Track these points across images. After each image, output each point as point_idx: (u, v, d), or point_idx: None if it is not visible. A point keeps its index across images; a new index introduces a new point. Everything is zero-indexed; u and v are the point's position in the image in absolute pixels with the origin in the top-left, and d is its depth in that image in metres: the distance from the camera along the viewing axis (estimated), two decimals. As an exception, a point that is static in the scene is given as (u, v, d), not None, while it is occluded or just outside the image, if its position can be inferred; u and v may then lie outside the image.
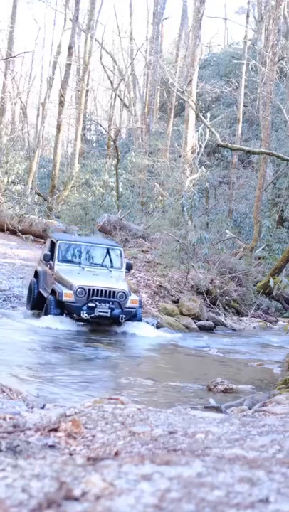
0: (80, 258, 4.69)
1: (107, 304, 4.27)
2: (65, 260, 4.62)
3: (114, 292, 4.30)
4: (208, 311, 5.84)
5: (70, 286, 4.27)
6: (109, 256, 4.78)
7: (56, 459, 0.83)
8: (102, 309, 4.25)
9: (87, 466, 0.73)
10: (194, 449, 0.90)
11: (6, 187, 10.01)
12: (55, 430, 0.99)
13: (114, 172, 10.29)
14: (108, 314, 4.28)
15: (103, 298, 4.27)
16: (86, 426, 1.06)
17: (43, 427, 1.00)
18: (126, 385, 2.71)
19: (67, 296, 4.21)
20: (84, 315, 4.22)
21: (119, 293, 4.31)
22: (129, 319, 4.38)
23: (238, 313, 6.36)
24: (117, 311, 4.30)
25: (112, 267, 4.70)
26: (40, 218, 8.78)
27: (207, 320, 5.62)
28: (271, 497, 0.62)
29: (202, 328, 5.35)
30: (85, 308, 4.23)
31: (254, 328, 5.86)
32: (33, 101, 16.15)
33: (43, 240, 8.65)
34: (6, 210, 8.84)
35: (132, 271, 5.60)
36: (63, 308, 4.26)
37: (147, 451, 0.90)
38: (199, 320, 5.51)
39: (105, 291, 4.28)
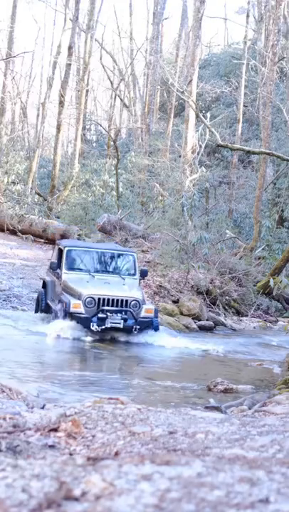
0: (89, 266, 4.35)
1: (120, 315, 3.94)
2: (73, 268, 4.28)
3: (126, 301, 3.99)
4: (208, 311, 5.84)
5: (78, 296, 3.97)
6: (122, 262, 4.46)
7: (56, 459, 0.83)
8: (114, 320, 3.92)
9: (87, 466, 0.73)
10: (194, 449, 0.90)
11: (6, 187, 10.01)
12: (55, 430, 0.99)
13: (114, 172, 10.29)
14: (121, 325, 3.94)
15: (115, 308, 3.94)
16: (86, 426, 1.06)
17: (43, 427, 1.00)
18: (126, 385, 2.71)
19: (76, 306, 3.89)
20: (94, 327, 3.89)
21: (133, 302, 3.99)
22: (144, 329, 4.04)
23: (238, 313, 6.36)
24: (130, 322, 3.98)
25: (125, 274, 4.37)
26: (40, 218, 8.77)
27: (207, 320, 5.61)
28: (271, 497, 0.62)
29: (202, 328, 5.35)
30: (95, 319, 3.90)
31: (254, 328, 5.86)
32: (33, 101, 16.17)
33: (43, 240, 8.69)
34: (6, 210, 8.83)
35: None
36: (72, 319, 3.95)
37: (147, 451, 0.90)
38: (199, 320, 5.50)
39: (117, 300, 3.97)
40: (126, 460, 0.80)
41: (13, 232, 8.46)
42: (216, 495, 0.63)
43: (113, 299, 3.99)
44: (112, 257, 4.50)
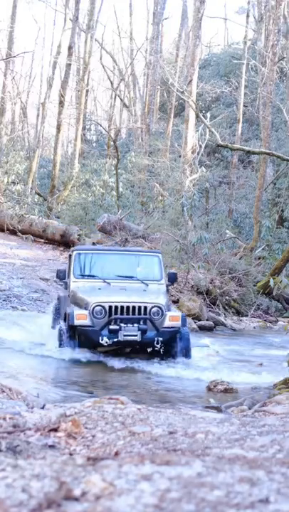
0: (104, 272, 3.49)
1: (136, 325, 3.05)
2: (84, 275, 3.46)
3: (145, 308, 3.10)
4: (208, 311, 5.83)
5: (84, 305, 3.15)
6: (144, 266, 3.60)
7: (56, 459, 0.83)
8: (130, 332, 3.04)
9: (87, 466, 0.74)
10: (194, 449, 0.90)
11: (6, 187, 10.01)
12: (55, 430, 0.99)
13: (114, 172, 10.29)
14: (138, 338, 3.05)
15: (130, 316, 3.08)
16: (86, 426, 1.06)
17: (43, 427, 1.00)
18: (126, 385, 2.71)
19: (80, 317, 3.05)
20: (104, 341, 3.04)
21: (153, 308, 3.11)
22: (170, 346, 3.11)
23: (238, 313, 6.36)
24: (150, 334, 3.09)
25: (148, 279, 3.50)
26: (40, 218, 8.76)
27: (207, 320, 5.60)
28: (271, 497, 0.62)
29: (202, 328, 5.33)
30: (105, 332, 3.06)
31: (254, 328, 5.85)
32: (33, 101, 16.17)
33: (42, 240, 8.68)
34: (6, 210, 8.82)
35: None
36: (80, 338, 3.13)
37: (147, 451, 0.90)
38: (199, 320, 5.49)
39: (133, 307, 3.09)
40: (126, 460, 0.80)
41: (13, 232, 8.44)
42: (216, 495, 0.63)
43: (128, 306, 3.11)
44: (132, 261, 3.64)
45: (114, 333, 3.13)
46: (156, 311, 3.19)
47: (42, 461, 0.81)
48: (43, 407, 1.56)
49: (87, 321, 3.13)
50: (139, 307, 3.18)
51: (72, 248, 3.94)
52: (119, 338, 3.12)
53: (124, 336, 3.12)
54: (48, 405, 1.60)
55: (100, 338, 3.11)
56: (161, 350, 3.22)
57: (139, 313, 3.17)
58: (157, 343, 3.16)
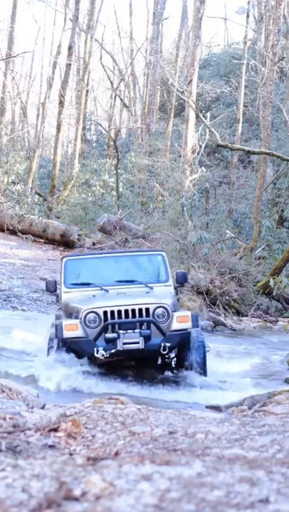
0: (100, 278, 2.97)
1: (138, 330, 2.54)
2: (76, 284, 2.96)
3: (147, 310, 2.62)
4: (208, 311, 5.83)
5: (75, 314, 2.67)
6: (147, 267, 3.12)
7: (56, 459, 0.83)
8: (130, 339, 2.51)
9: (87, 466, 0.74)
10: (194, 449, 0.90)
11: (6, 187, 10.02)
12: (55, 430, 0.99)
13: (114, 172, 10.29)
14: (140, 345, 2.53)
15: (129, 320, 2.57)
16: (86, 426, 1.05)
17: (43, 427, 1.00)
18: (127, 386, 2.70)
19: (71, 328, 2.54)
20: (99, 353, 2.52)
21: (158, 309, 2.62)
22: (181, 353, 2.63)
23: (238, 313, 6.35)
24: (155, 340, 2.57)
25: (152, 281, 2.99)
26: (40, 218, 8.76)
27: (207, 320, 5.62)
28: (271, 497, 0.62)
29: (202, 328, 5.35)
30: (100, 342, 2.56)
31: (254, 328, 5.84)
32: (33, 101, 16.16)
33: (43, 240, 8.65)
34: (6, 210, 8.82)
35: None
36: (69, 349, 2.63)
37: (147, 451, 0.90)
38: (199, 320, 5.52)
39: (133, 310, 2.60)
40: (126, 460, 0.80)
41: (13, 232, 8.43)
42: (216, 495, 0.63)
43: (126, 310, 2.61)
44: (132, 263, 3.12)
45: (111, 342, 2.56)
46: (162, 312, 2.65)
47: (42, 461, 0.81)
48: (43, 407, 1.57)
49: (78, 332, 2.58)
50: (140, 309, 2.64)
51: (62, 256, 3.47)
52: (118, 348, 2.54)
53: (124, 344, 2.54)
54: (48, 405, 1.60)
55: (95, 350, 2.55)
56: (173, 360, 2.75)
57: (141, 316, 2.64)
58: (164, 350, 2.58)
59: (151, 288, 2.96)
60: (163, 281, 3.06)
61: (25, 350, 3.25)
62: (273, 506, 0.60)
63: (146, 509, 0.59)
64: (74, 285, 3.00)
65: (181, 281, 3.06)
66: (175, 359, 2.78)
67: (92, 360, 2.65)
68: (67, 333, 2.60)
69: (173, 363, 2.80)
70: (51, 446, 0.93)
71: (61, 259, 3.20)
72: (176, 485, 0.67)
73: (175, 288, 3.07)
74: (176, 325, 2.66)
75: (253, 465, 0.81)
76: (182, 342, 2.69)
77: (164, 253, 3.25)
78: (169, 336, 2.64)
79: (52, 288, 3.02)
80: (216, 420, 1.17)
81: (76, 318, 2.67)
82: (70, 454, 0.92)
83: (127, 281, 3.02)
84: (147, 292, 2.90)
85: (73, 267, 3.07)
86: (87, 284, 3.01)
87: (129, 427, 1.04)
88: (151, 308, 2.68)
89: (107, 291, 2.90)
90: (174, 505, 0.60)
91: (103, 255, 3.39)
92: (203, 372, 2.70)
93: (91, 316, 2.64)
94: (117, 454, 0.90)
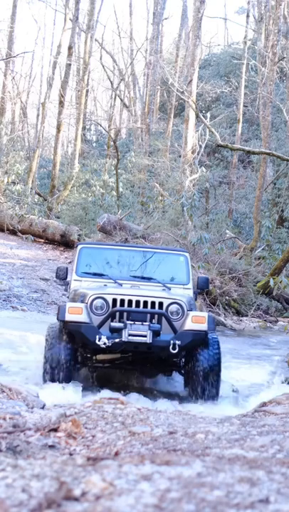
0: (114, 271, 2.77)
1: (147, 323, 2.29)
2: (88, 273, 2.73)
3: (160, 304, 2.38)
4: (207, 311, 5.83)
5: (81, 299, 2.43)
6: (167, 266, 2.83)
7: (56, 459, 0.83)
8: (137, 331, 2.26)
9: (87, 466, 0.74)
10: (194, 449, 0.90)
11: (6, 187, 10.02)
12: (55, 430, 0.98)
13: (114, 172, 10.28)
14: (148, 339, 2.25)
15: (140, 309, 2.33)
16: (86, 426, 1.05)
17: (43, 427, 1.00)
18: (127, 386, 2.70)
19: (74, 311, 2.30)
20: (101, 341, 2.25)
21: (172, 305, 2.37)
22: (192, 358, 2.34)
23: (238, 313, 6.35)
24: (165, 337, 2.30)
25: (171, 282, 2.74)
26: (40, 218, 8.76)
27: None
28: (271, 497, 0.62)
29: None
30: (104, 330, 2.31)
31: (254, 328, 5.85)
32: (33, 101, 16.19)
33: (42, 240, 8.70)
34: (6, 210, 8.82)
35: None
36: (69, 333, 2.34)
37: (147, 451, 0.90)
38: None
39: (145, 301, 2.36)
40: (126, 460, 0.80)
41: (13, 232, 8.46)
42: (216, 495, 0.64)
43: (138, 301, 2.36)
44: (152, 259, 2.84)
45: (116, 332, 2.29)
46: (176, 309, 2.36)
47: (42, 461, 0.81)
48: (43, 407, 1.56)
49: (82, 317, 2.30)
50: (153, 302, 2.36)
51: (78, 243, 3.07)
52: (123, 339, 2.26)
53: (130, 336, 2.25)
54: (48, 405, 1.59)
55: (97, 337, 2.26)
56: (181, 360, 2.43)
57: (152, 308, 2.36)
58: (174, 349, 2.26)
59: (169, 288, 2.69)
60: (182, 284, 2.77)
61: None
62: (273, 506, 0.60)
63: (147, 509, 0.59)
64: (86, 274, 2.74)
65: (202, 286, 2.75)
66: (183, 358, 2.45)
67: (93, 356, 2.40)
68: (69, 316, 2.32)
69: (181, 362, 2.48)
70: (51, 446, 0.93)
71: (76, 246, 2.96)
72: (176, 485, 0.67)
73: (194, 293, 2.79)
74: (190, 324, 2.35)
75: (253, 465, 0.81)
76: (194, 343, 2.36)
77: (187, 254, 2.95)
78: (181, 334, 2.33)
79: (62, 275, 2.75)
80: (215, 420, 1.17)
81: (82, 302, 2.41)
82: (70, 454, 0.92)
83: (143, 278, 2.75)
84: (163, 290, 2.63)
85: (88, 256, 2.81)
86: (101, 275, 2.74)
87: (129, 427, 1.04)
88: (165, 303, 2.39)
89: (120, 284, 2.61)
90: (174, 506, 0.60)
91: (122, 247, 3.15)
92: (213, 395, 2.32)
93: (98, 301, 2.37)
94: (117, 454, 0.90)
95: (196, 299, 2.79)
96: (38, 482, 0.64)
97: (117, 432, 1.01)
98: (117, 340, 2.29)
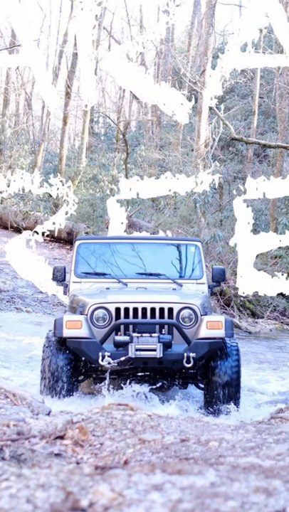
0: (119, 268, 2.47)
1: (156, 334, 2.03)
2: (88, 273, 2.46)
3: (170, 310, 2.12)
4: (221, 312, 5.72)
5: (80, 309, 2.17)
6: (178, 259, 2.55)
7: (62, 468, 0.80)
8: (145, 345, 2.01)
9: (94, 475, 0.71)
10: (207, 457, 0.87)
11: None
12: (62, 438, 0.96)
13: (124, 167, 10.17)
14: (158, 354, 2.02)
15: (147, 320, 2.08)
16: (94, 433, 1.02)
17: (48, 434, 0.97)
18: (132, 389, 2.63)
19: (72, 326, 2.05)
20: (105, 361, 2.02)
21: (184, 310, 2.12)
22: (209, 370, 2.09)
23: (254, 314, 6.16)
24: (178, 348, 2.07)
25: (183, 277, 2.47)
26: (46, 215, 8.70)
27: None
28: (288, 508, 0.58)
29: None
30: (108, 346, 2.07)
31: (270, 330, 5.66)
32: (38, 92, 16.02)
33: (48, 238, 8.65)
34: (10, 206, 8.65)
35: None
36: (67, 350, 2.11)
37: (158, 459, 0.87)
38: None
39: (152, 308, 2.10)
40: (136, 469, 0.77)
41: (17, 229, 8.10)
42: (231, 506, 0.60)
43: (144, 308, 2.10)
44: (160, 252, 2.58)
45: (121, 346, 2.05)
46: (188, 314, 2.11)
47: (47, 470, 0.78)
48: (48, 414, 1.51)
49: (82, 331, 2.05)
50: (162, 308, 2.11)
51: (75, 238, 2.82)
52: (130, 355, 2.01)
53: (137, 351, 2.00)
54: (53, 411, 1.55)
55: (101, 355, 2.02)
56: (199, 371, 2.15)
57: (162, 317, 2.11)
58: (188, 362, 2.01)
59: (180, 285, 2.40)
60: (196, 278, 2.46)
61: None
62: (293, 524, 0.55)
63: (158, 524, 0.55)
64: (86, 274, 2.45)
65: (218, 279, 2.44)
66: (200, 372, 2.18)
67: (97, 368, 2.14)
68: (67, 332, 2.05)
69: (198, 376, 2.20)
70: (57, 455, 0.91)
71: (74, 242, 2.64)
72: (188, 495, 0.64)
73: (210, 287, 2.48)
74: (204, 332, 2.09)
75: (269, 474, 0.77)
76: (211, 353, 2.10)
77: (199, 243, 2.59)
78: (195, 345, 2.06)
79: (59, 276, 2.43)
80: (230, 427, 1.13)
81: (81, 313, 2.14)
82: (77, 463, 0.90)
83: (151, 275, 2.47)
84: (174, 289, 2.35)
85: (87, 253, 2.51)
86: (103, 275, 2.46)
87: (139, 434, 1.01)
88: (176, 308, 2.13)
89: (125, 284, 2.36)
90: (187, 520, 0.56)
91: (124, 240, 2.73)
92: (234, 401, 2.10)
93: (100, 312, 2.12)
94: (126, 462, 0.87)
95: (211, 294, 2.52)
96: (44, 492, 0.61)
97: (126, 440, 0.98)
98: (122, 358, 2.04)
